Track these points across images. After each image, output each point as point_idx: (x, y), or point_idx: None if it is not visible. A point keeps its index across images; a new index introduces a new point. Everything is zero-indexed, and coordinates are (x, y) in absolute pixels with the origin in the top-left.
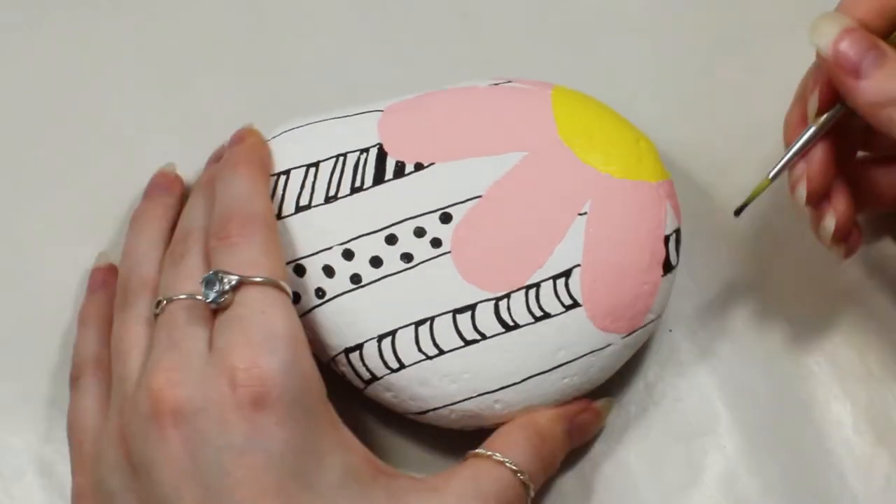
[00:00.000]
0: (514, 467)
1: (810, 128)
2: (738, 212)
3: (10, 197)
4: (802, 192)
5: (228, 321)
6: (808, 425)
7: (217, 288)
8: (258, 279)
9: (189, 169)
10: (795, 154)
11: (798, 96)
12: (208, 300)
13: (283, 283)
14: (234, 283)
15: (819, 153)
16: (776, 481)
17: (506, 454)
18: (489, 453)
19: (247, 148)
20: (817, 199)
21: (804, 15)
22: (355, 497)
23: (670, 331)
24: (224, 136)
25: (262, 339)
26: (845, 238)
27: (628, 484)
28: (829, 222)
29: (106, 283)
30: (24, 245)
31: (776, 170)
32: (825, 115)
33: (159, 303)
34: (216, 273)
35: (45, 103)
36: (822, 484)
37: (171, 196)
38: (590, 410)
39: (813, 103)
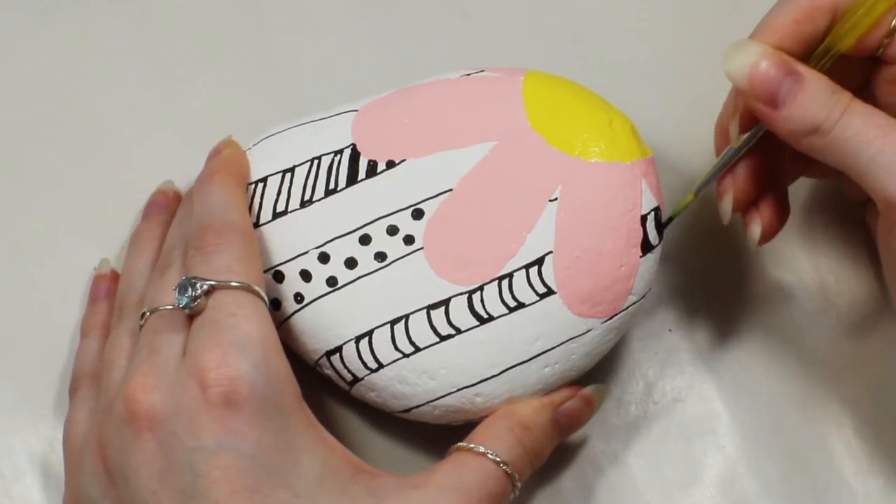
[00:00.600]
0: (496, 458)
1: (732, 147)
2: (663, 226)
3: (10, 197)
4: (728, 206)
5: (201, 325)
6: (808, 425)
7: (189, 293)
8: (232, 284)
9: (189, 169)
10: (718, 172)
11: (727, 106)
12: (181, 305)
13: (257, 288)
14: (206, 287)
15: (744, 169)
16: (776, 481)
17: (488, 446)
18: (470, 445)
19: (223, 159)
20: (744, 210)
21: None
22: (334, 495)
23: (670, 331)
24: (224, 135)
25: (231, 340)
26: (772, 237)
27: (628, 484)
28: (755, 230)
29: (109, 292)
30: (24, 245)
31: (700, 186)
32: (747, 135)
33: (143, 314)
34: (189, 279)
35: (46, 103)
36: (822, 484)
37: (169, 214)
38: (578, 398)
39: (734, 124)
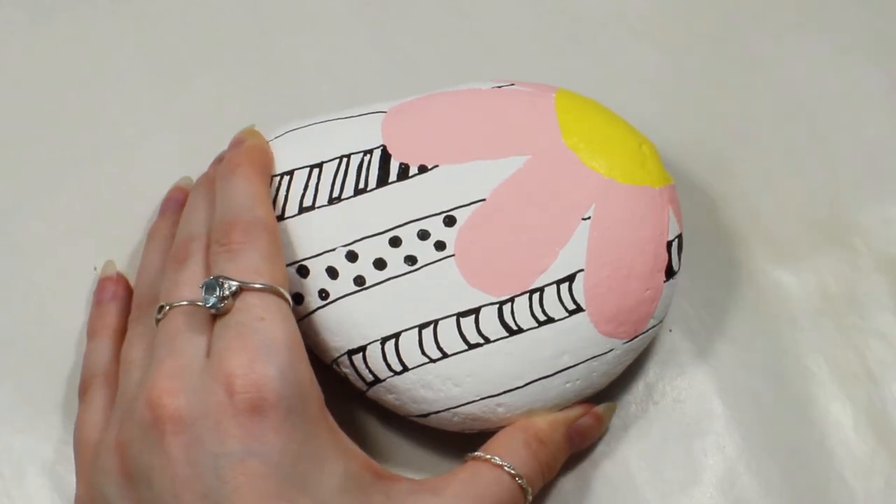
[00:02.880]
0: (512, 471)
1: None
2: None
3: (10, 197)
4: None
5: (226, 326)
6: (808, 425)
7: (217, 293)
8: (258, 285)
9: (189, 169)
10: None
11: None
12: (208, 305)
13: (283, 290)
14: (234, 288)
15: None
16: (776, 481)
17: (504, 458)
18: (488, 456)
19: (247, 150)
20: None
21: (804, 15)
22: (356, 502)
23: (670, 331)
24: (224, 135)
25: (259, 345)
26: None
27: (628, 484)
28: None
29: (115, 294)
30: (24, 245)
31: None
32: None
33: (161, 308)
34: (217, 279)
35: (45, 103)
36: (822, 484)
37: None
38: (591, 415)
39: None
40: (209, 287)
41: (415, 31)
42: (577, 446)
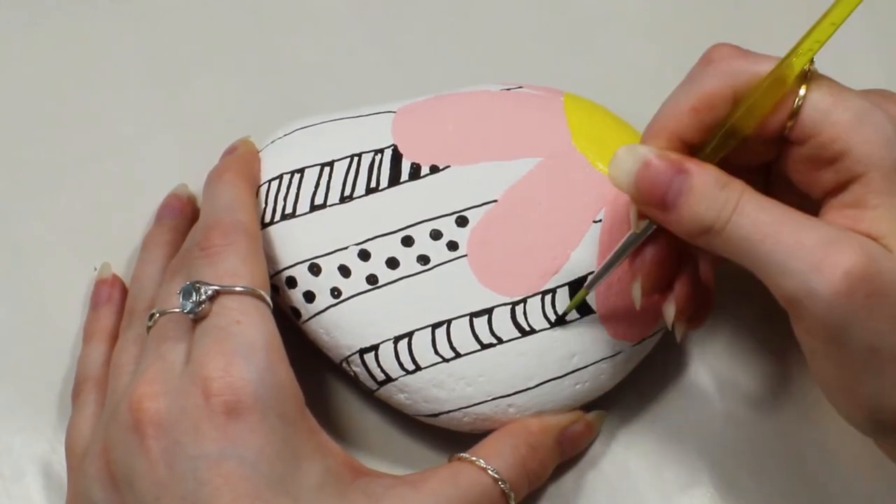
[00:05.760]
0: (495, 475)
1: (633, 233)
2: (559, 321)
3: (10, 197)
4: (637, 291)
5: (204, 331)
6: (808, 426)
7: (194, 298)
8: (237, 289)
9: (189, 169)
10: (614, 261)
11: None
12: (185, 310)
13: (262, 293)
14: (210, 292)
15: (652, 251)
16: (776, 482)
17: (490, 461)
18: (473, 458)
19: (235, 158)
20: (657, 292)
21: (804, 15)
22: (334, 501)
23: (670, 331)
24: (224, 135)
25: (235, 348)
26: (688, 317)
27: (628, 484)
28: (669, 311)
29: (110, 297)
30: (24, 245)
31: (594, 279)
32: (647, 220)
33: (152, 316)
34: (193, 283)
35: (46, 103)
36: (822, 484)
37: (182, 219)
38: (582, 422)
39: (634, 210)
40: (186, 292)
41: (414, 31)
42: (566, 454)
